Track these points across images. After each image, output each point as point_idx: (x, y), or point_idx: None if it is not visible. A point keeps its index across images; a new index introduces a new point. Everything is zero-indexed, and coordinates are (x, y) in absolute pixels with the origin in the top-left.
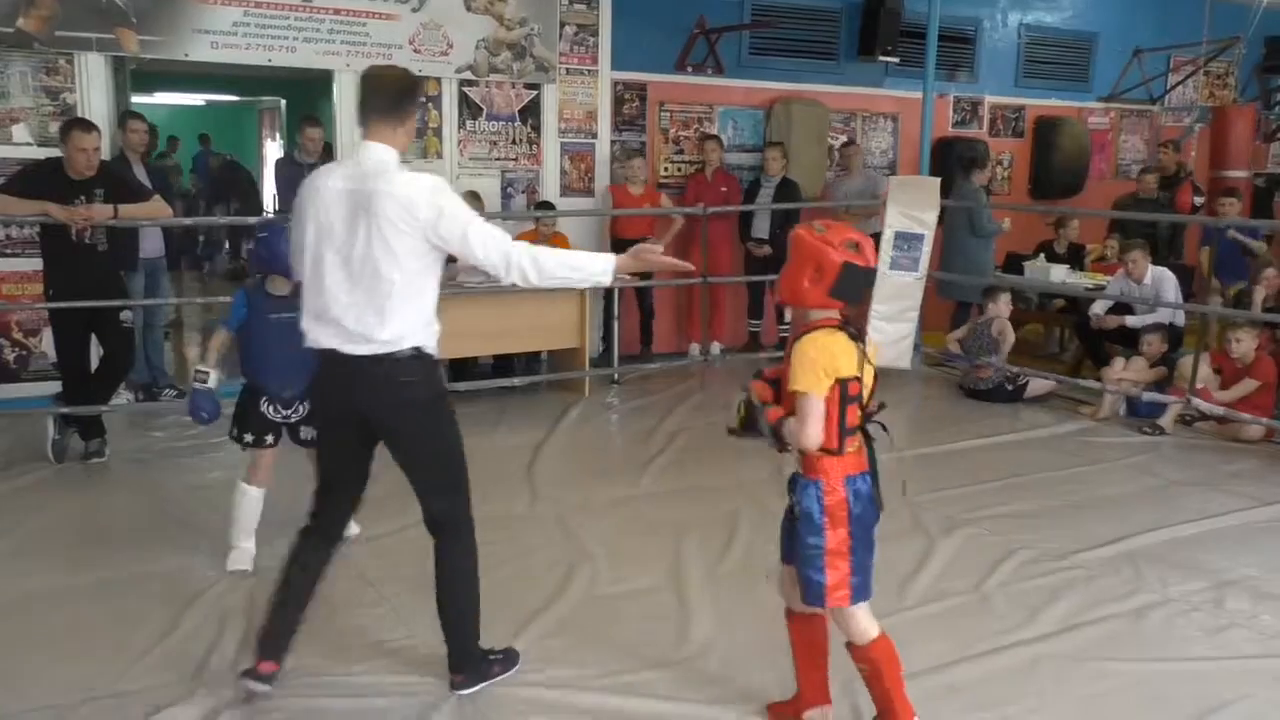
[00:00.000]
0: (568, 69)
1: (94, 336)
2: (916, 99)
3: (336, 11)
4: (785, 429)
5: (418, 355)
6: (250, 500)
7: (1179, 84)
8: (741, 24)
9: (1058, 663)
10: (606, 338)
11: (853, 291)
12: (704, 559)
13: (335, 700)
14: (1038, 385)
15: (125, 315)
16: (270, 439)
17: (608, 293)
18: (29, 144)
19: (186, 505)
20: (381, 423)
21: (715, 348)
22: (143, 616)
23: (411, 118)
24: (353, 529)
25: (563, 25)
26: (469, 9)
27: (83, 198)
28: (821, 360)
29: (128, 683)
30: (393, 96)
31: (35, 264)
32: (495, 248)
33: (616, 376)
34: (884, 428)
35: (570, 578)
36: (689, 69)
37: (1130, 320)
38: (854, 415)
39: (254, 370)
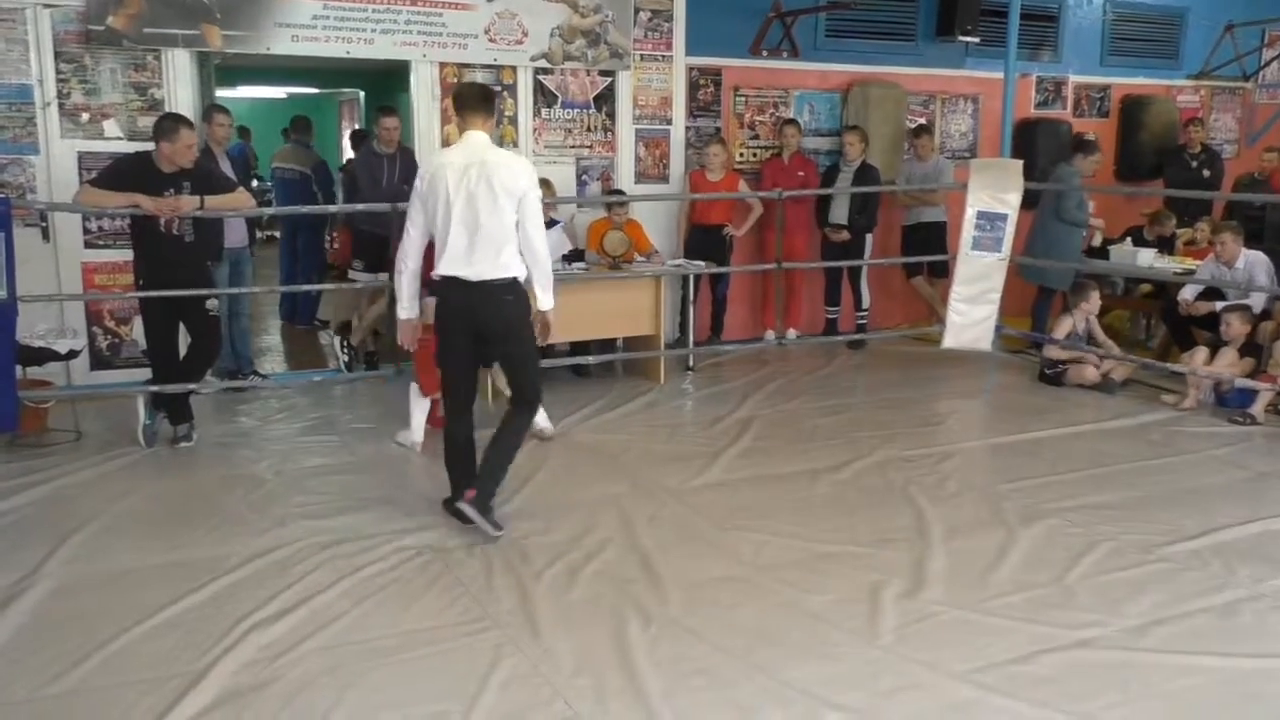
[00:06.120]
0: (642, 55)
1: (182, 325)
2: (998, 80)
3: (413, 3)
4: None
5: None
6: None
7: (1274, 59)
8: (818, 6)
9: (1143, 657)
10: (682, 325)
11: None
12: (780, 549)
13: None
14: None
15: (211, 304)
16: None
17: (684, 280)
18: (119, 138)
19: (273, 489)
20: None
21: (791, 334)
22: (230, 596)
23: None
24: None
25: (637, 11)
26: None
27: (171, 190)
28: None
29: (212, 660)
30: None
31: (126, 255)
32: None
33: (691, 363)
34: None
35: (647, 568)
36: (764, 53)
37: (1221, 306)
38: None
39: None
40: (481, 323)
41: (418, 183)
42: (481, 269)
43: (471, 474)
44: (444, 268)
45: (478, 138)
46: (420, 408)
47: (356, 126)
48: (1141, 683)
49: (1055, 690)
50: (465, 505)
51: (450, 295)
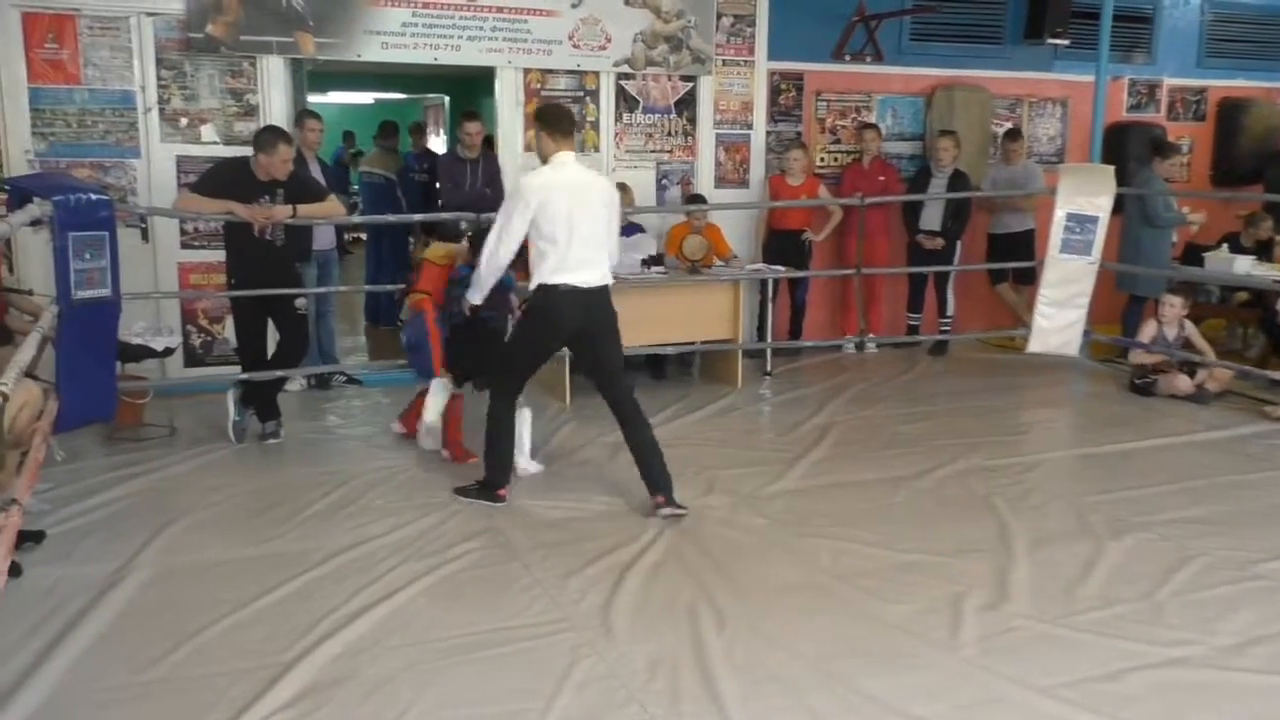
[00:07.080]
0: (724, 60)
1: (271, 324)
2: (1088, 83)
3: (499, 10)
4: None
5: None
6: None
7: None
8: (903, 9)
9: (1237, 678)
10: (761, 330)
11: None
12: (859, 557)
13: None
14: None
15: (300, 303)
16: None
17: (762, 284)
18: (215, 143)
19: (356, 486)
20: None
21: (871, 340)
22: (315, 591)
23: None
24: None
25: (719, 16)
26: (627, 3)
27: (266, 197)
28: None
29: (297, 654)
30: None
31: (220, 255)
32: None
33: (769, 368)
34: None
35: (723, 573)
36: (847, 58)
37: None
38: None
39: None
40: (591, 326)
41: (521, 204)
42: (595, 276)
43: (511, 458)
44: (561, 277)
45: (569, 158)
46: (526, 427)
47: (418, 120)
48: (1234, 704)
49: (1144, 709)
50: (668, 511)
51: (561, 301)
